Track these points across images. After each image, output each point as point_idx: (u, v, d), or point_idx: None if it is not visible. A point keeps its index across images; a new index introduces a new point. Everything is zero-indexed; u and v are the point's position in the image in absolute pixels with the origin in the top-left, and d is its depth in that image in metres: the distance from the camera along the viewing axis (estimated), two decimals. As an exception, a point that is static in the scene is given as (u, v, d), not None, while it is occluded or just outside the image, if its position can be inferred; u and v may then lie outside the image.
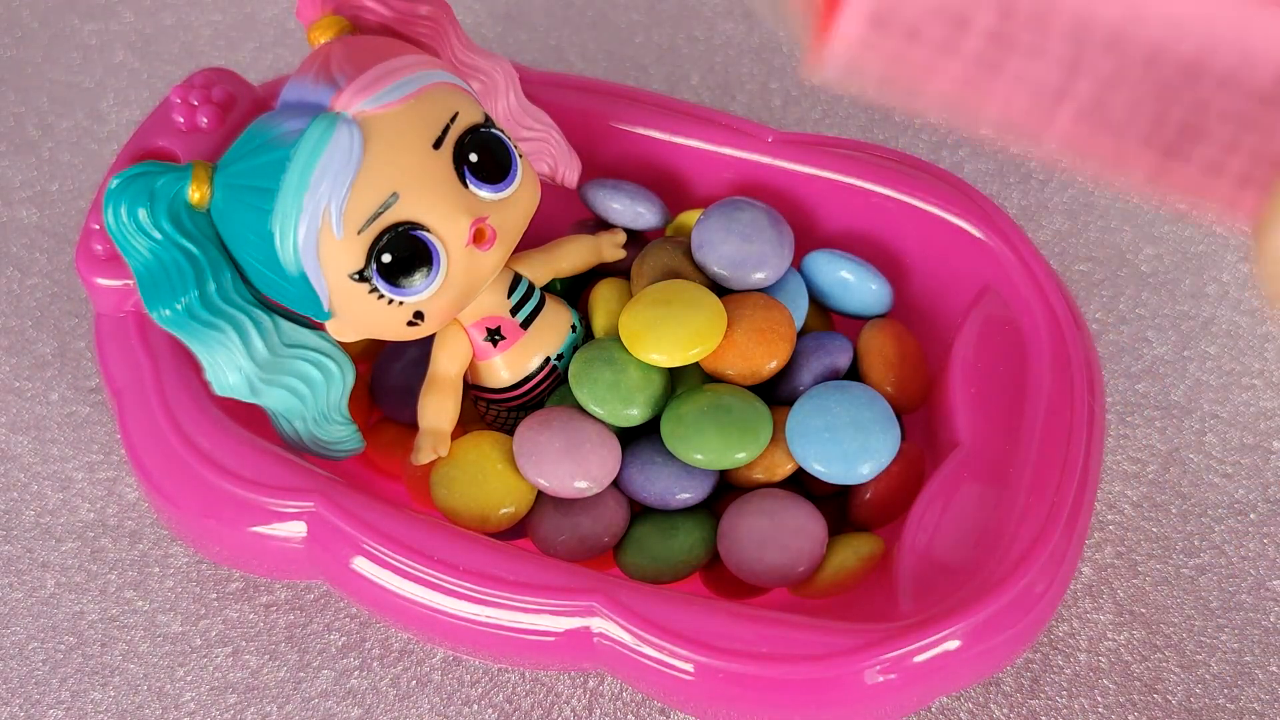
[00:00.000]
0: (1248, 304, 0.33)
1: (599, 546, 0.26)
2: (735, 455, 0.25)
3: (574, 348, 0.27)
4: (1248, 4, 0.12)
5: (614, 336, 0.26)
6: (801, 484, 0.27)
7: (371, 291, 0.23)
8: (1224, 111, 0.13)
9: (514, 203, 0.24)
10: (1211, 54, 0.13)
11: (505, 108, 0.28)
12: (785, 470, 0.26)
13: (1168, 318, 0.33)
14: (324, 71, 0.23)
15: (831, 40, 0.14)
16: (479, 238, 0.24)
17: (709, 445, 0.25)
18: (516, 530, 0.26)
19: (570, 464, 0.25)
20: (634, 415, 0.26)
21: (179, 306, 0.23)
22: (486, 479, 0.26)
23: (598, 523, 0.26)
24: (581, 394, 0.25)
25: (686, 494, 0.25)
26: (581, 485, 0.25)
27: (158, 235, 0.23)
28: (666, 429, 0.25)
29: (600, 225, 0.30)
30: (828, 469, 0.25)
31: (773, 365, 0.26)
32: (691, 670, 0.23)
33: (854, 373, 0.28)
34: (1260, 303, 0.33)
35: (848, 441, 0.25)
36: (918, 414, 0.28)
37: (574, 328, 0.27)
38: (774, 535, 0.25)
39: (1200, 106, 0.13)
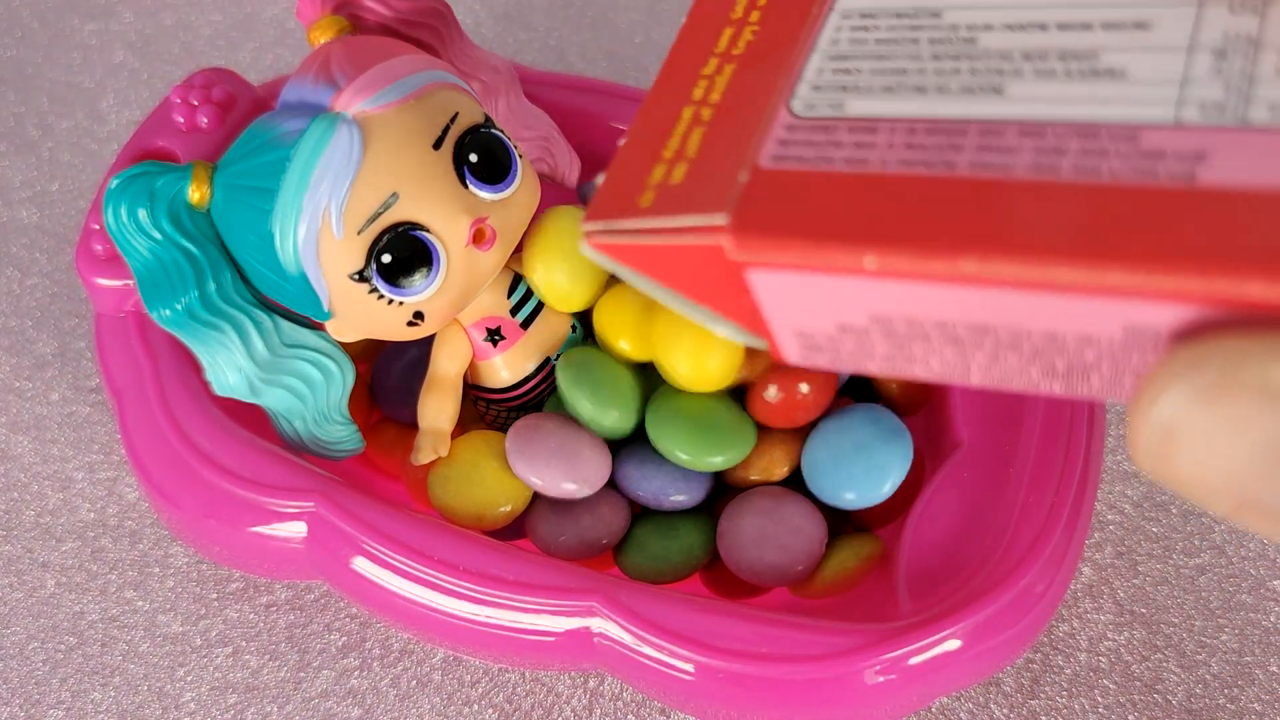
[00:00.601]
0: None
1: (598, 546, 0.26)
2: (711, 459, 0.25)
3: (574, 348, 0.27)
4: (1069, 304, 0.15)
5: (592, 343, 0.26)
6: (801, 483, 0.27)
7: (371, 292, 0.23)
8: (1095, 357, 0.16)
9: (514, 203, 0.24)
10: (1064, 328, 0.15)
11: (505, 108, 0.28)
12: (781, 472, 0.26)
13: (1168, 318, 0.33)
14: (324, 72, 0.23)
15: (787, 357, 0.18)
16: (479, 238, 0.24)
17: (687, 444, 0.25)
18: (516, 530, 0.26)
19: (563, 464, 0.25)
20: (614, 417, 0.25)
21: (179, 306, 0.23)
22: (482, 477, 0.26)
23: (597, 523, 0.26)
24: (573, 396, 0.25)
25: (681, 496, 0.25)
26: (571, 487, 0.25)
27: (157, 235, 0.23)
28: (650, 422, 0.25)
29: None
30: (858, 495, 0.25)
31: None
32: (691, 670, 0.23)
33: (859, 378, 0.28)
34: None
35: (861, 465, 0.25)
36: (918, 414, 0.28)
37: (574, 328, 0.27)
38: (773, 534, 0.25)
39: (1077, 352, 0.16)
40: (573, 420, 0.26)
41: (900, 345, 0.17)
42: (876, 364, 0.18)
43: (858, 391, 0.28)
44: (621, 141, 0.19)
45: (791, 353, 0.18)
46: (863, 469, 0.25)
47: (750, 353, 0.25)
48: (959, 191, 0.15)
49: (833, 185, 0.16)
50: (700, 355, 0.24)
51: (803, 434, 0.26)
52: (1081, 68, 0.16)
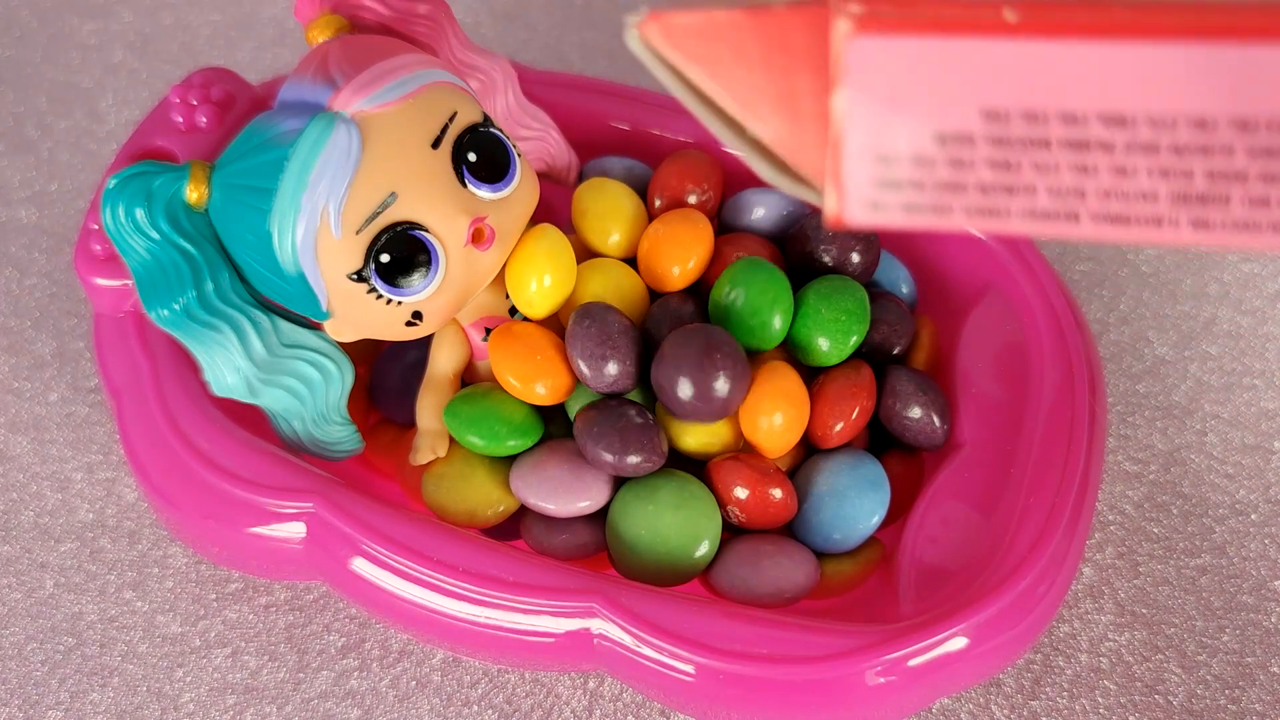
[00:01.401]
0: (1249, 304, 0.33)
1: (592, 547, 0.25)
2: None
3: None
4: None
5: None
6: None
7: (370, 291, 0.23)
8: (1246, 157, 0.13)
9: (513, 202, 0.24)
10: (1217, 107, 0.13)
11: (504, 107, 0.28)
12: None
13: (1169, 318, 0.33)
14: (322, 71, 0.23)
15: (848, 206, 0.15)
16: (477, 237, 0.24)
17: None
18: (512, 531, 0.26)
19: (574, 486, 0.25)
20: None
21: (177, 307, 0.23)
22: (476, 477, 0.26)
23: (591, 522, 0.25)
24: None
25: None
26: (585, 504, 0.25)
27: (155, 235, 0.23)
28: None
29: None
30: (844, 536, 0.25)
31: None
32: (692, 671, 0.23)
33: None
34: (1261, 303, 0.33)
35: (844, 509, 0.25)
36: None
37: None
38: (757, 584, 0.25)
39: (1225, 150, 0.13)
40: (563, 443, 0.26)
41: (1007, 164, 0.14)
42: (966, 205, 0.15)
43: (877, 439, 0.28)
44: None
45: (859, 199, 0.15)
46: (836, 515, 0.25)
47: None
48: None
49: None
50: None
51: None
52: None
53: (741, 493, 0.25)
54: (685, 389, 0.24)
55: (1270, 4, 0.12)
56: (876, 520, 0.25)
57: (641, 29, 0.15)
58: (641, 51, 0.15)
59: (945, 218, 0.15)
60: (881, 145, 0.14)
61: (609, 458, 0.24)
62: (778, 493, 0.25)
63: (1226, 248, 0.14)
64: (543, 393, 0.25)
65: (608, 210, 0.27)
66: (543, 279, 0.25)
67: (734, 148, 0.16)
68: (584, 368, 0.25)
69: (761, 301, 0.25)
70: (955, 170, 0.14)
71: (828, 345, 0.26)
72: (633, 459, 0.24)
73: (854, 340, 0.26)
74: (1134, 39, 0.13)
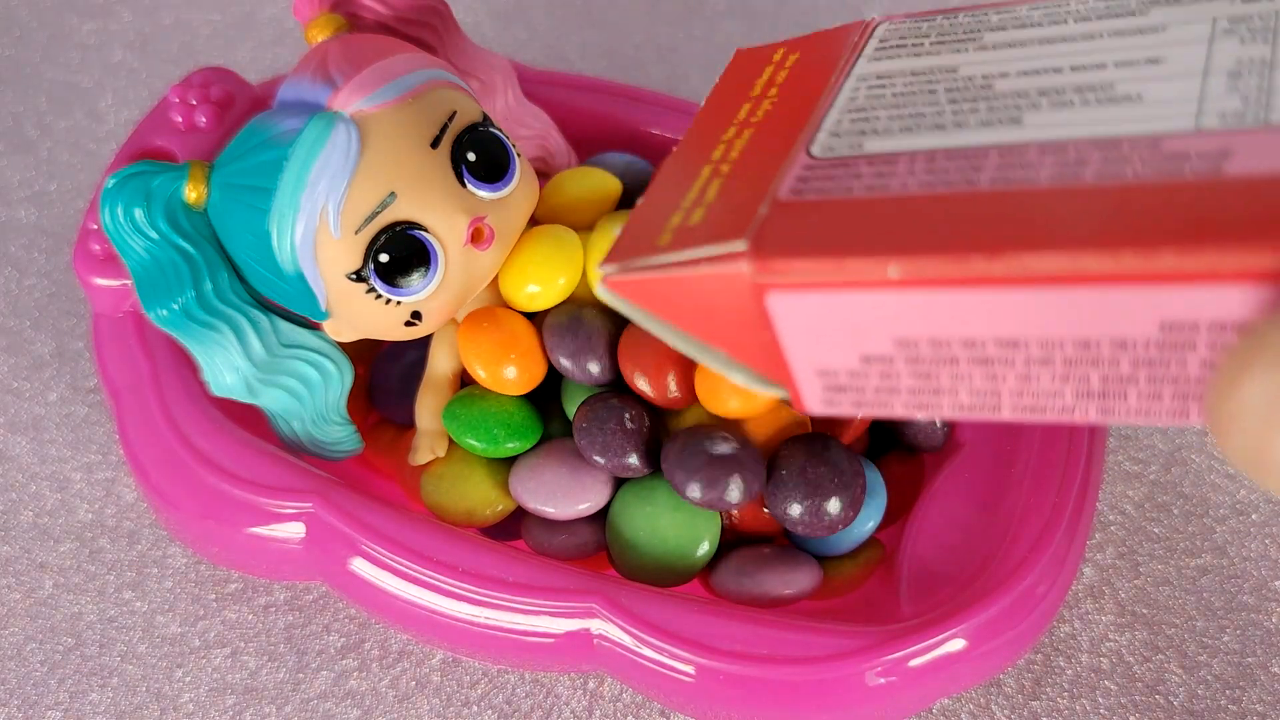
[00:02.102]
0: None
1: (592, 546, 0.25)
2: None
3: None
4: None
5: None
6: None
7: (369, 291, 0.23)
8: (1131, 367, 0.15)
9: (512, 202, 0.24)
10: (1096, 333, 0.15)
11: (504, 106, 0.28)
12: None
13: (1169, 317, 0.33)
14: (321, 70, 0.23)
15: (807, 403, 0.18)
16: (477, 237, 0.24)
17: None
18: (511, 531, 0.26)
19: (573, 488, 0.25)
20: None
21: (176, 306, 0.23)
22: (473, 474, 0.26)
23: (592, 522, 0.25)
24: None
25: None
26: (584, 507, 0.25)
27: (154, 235, 0.23)
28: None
29: None
30: (838, 540, 0.25)
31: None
32: (692, 672, 0.23)
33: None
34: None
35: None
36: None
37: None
38: (764, 588, 0.25)
39: (1112, 362, 0.15)
40: (562, 444, 0.26)
41: (927, 375, 0.16)
42: (903, 401, 0.17)
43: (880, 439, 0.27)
44: (639, 200, 0.19)
45: (813, 399, 0.18)
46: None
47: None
48: (982, 202, 0.15)
49: (853, 209, 0.16)
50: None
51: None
52: (1098, 96, 0.16)
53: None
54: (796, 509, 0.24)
55: (1095, 242, 0.14)
56: (871, 526, 0.25)
57: (604, 284, 0.18)
58: (609, 298, 0.18)
59: (889, 410, 0.17)
60: (819, 364, 0.17)
61: (609, 460, 0.24)
62: None
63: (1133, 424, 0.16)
64: (512, 378, 0.25)
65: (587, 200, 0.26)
66: (540, 281, 0.25)
67: (706, 362, 0.18)
68: (569, 366, 0.25)
69: None
70: (885, 379, 0.17)
71: None
72: (633, 460, 0.24)
73: None
74: (999, 287, 0.15)
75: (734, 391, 0.24)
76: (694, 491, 0.23)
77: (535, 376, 0.25)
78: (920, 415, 0.17)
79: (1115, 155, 0.15)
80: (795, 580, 0.24)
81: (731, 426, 0.25)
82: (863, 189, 0.16)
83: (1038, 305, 0.14)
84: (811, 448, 0.24)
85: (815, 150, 0.17)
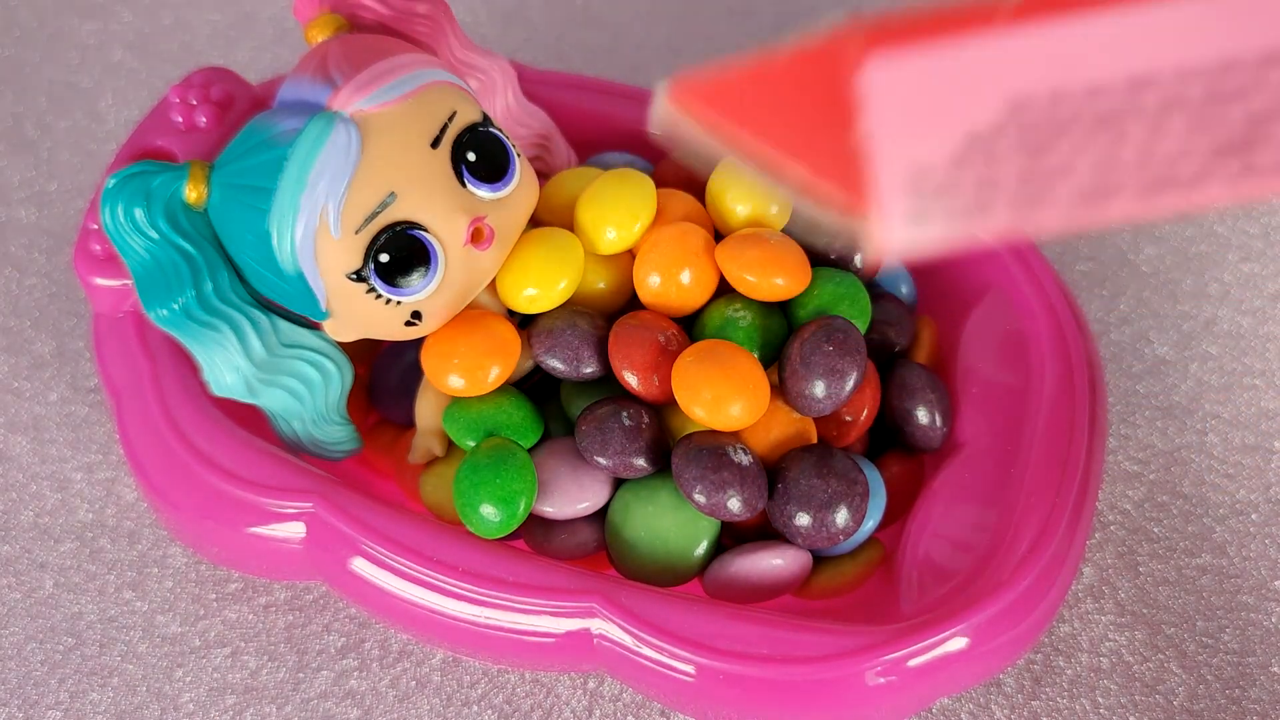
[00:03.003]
0: (1250, 304, 0.33)
1: (591, 546, 0.25)
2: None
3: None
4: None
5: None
6: None
7: (369, 291, 0.23)
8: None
9: (512, 202, 0.24)
10: (1241, 42, 0.13)
11: (503, 106, 0.28)
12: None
13: (1169, 318, 0.33)
14: (321, 70, 0.23)
15: (892, 229, 0.15)
16: (477, 237, 0.24)
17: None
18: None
19: (572, 489, 0.25)
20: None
21: (176, 306, 0.23)
22: None
23: (592, 522, 0.25)
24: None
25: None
26: (584, 506, 0.25)
27: (154, 235, 0.23)
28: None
29: None
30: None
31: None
32: (692, 672, 0.23)
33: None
34: (1262, 303, 0.33)
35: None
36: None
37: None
38: (754, 586, 0.25)
39: (1258, 82, 0.13)
40: (562, 444, 0.26)
41: (1040, 154, 0.14)
42: (1009, 199, 0.15)
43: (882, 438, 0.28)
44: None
45: (900, 223, 0.15)
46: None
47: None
48: None
49: None
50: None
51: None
52: None
53: None
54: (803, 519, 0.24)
55: None
56: (871, 526, 0.25)
57: (670, 97, 0.15)
58: (672, 117, 0.15)
59: (990, 218, 0.15)
60: (914, 159, 0.14)
61: (609, 460, 0.24)
62: None
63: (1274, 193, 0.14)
64: (493, 379, 0.25)
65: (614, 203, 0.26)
66: (540, 284, 0.25)
67: (778, 191, 0.16)
68: (563, 369, 0.25)
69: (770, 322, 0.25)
70: (990, 168, 0.14)
71: None
72: (634, 461, 0.24)
73: None
74: (1136, 4, 0.13)
75: (735, 400, 0.24)
76: (699, 495, 0.23)
77: (493, 379, 0.25)
78: (1027, 222, 0.15)
79: None
80: (782, 559, 0.24)
81: (736, 437, 0.25)
82: None
83: (1172, 20, 0.13)
84: (816, 458, 0.24)
85: None
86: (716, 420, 0.24)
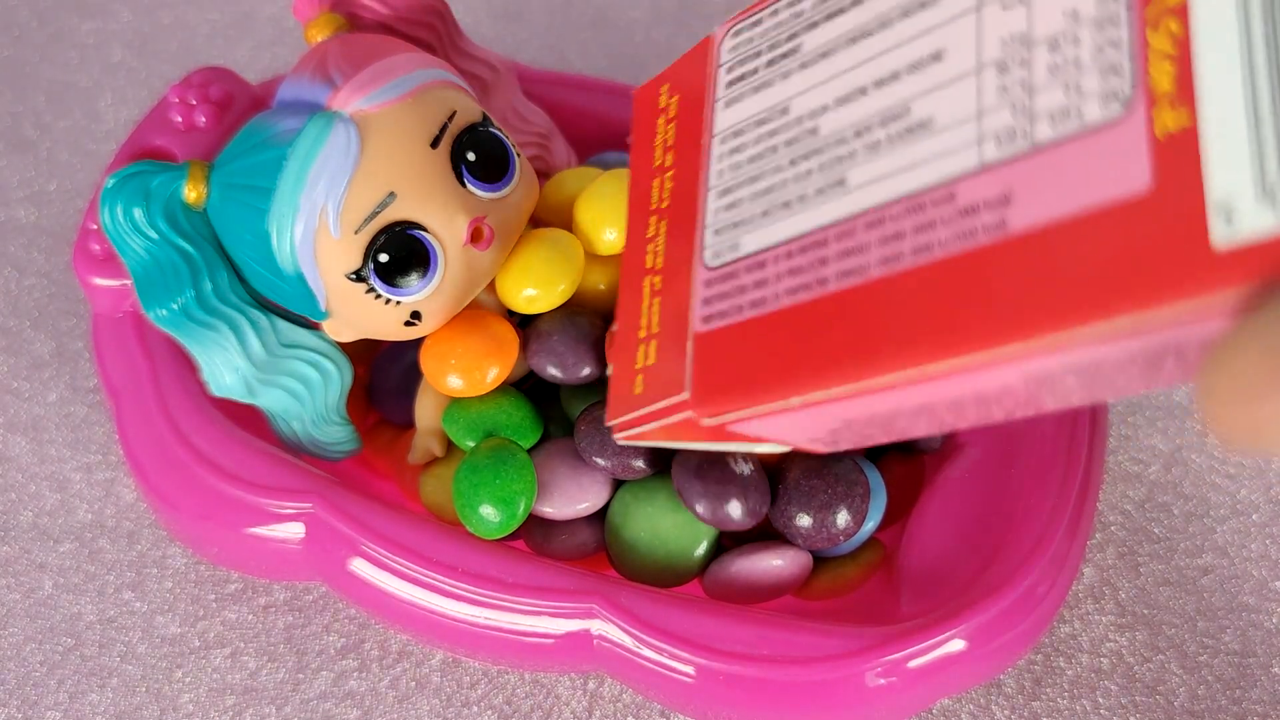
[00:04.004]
0: (1250, 303, 0.33)
1: (591, 546, 0.25)
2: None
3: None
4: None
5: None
6: None
7: (369, 291, 0.23)
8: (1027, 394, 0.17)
9: (512, 202, 0.24)
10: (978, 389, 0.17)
11: (503, 106, 0.28)
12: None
13: (1170, 317, 0.33)
14: (320, 70, 0.23)
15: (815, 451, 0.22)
16: (476, 237, 0.24)
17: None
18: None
19: (572, 489, 0.25)
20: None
21: (175, 306, 0.23)
22: None
23: (591, 522, 0.25)
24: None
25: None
26: (583, 507, 0.25)
27: (153, 234, 0.23)
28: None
29: None
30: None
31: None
32: (692, 673, 0.23)
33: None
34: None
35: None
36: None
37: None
38: (757, 585, 0.25)
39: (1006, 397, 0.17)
40: (562, 444, 0.25)
41: (884, 427, 0.19)
42: (885, 438, 0.19)
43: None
44: (613, 327, 0.22)
45: (817, 447, 0.21)
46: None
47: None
48: (834, 308, 0.17)
49: (747, 334, 0.18)
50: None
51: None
52: (899, 127, 0.17)
53: None
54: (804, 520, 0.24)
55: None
56: (871, 526, 0.25)
57: (621, 438, 0.21)
58: (632, 444, 0.22)
59: (878, 441, 0.20)
60: (800, 440, 0.20)
61: (608, 461, 0.24)
62: None
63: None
64: (491, 380, 0.25)
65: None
66: (539, 285, 0.24)
67: (734, 450, 0.23)
68: (559, 374, 0.25)
69: None
70: (857, 433, 0.19)
71: None
72: (633, 462, 0.24)
73: None
74: (880, 393, 0.17)
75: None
76: (701, 508, 0.23)
77: (491, 379, 0.25)
78: (904, 438, 0.19)
79: (923, 221, 0.16)
80: (782, 559, 0.24)
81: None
82: (749, 306, 0.18)
83: (919, 391, 0.17)
84: (816, 459, 0.24)
85: (708, 259, 0.20)
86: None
